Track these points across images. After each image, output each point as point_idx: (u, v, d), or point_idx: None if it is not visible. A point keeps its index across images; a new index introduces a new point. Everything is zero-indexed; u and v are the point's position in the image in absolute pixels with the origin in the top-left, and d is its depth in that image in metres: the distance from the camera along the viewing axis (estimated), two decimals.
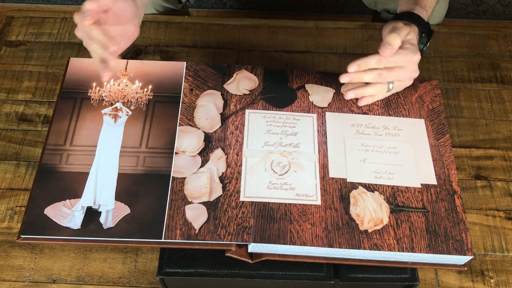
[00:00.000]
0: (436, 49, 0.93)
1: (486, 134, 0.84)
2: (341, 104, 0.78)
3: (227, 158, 0.71)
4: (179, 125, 0.74)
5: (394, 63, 0.71)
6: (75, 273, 0.70)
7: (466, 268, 0.68)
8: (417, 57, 0.71)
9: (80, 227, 0.65)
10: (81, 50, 0.91)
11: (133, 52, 0.91)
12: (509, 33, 0.96)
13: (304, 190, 0.69)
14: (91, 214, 0.67)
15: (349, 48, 0.93)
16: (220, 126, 0.74)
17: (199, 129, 0.74)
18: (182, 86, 0.78)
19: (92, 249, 0.71)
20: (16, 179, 0.78)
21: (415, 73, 0.74)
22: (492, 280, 0.70)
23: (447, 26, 0.98)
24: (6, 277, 0.69)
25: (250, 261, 0.64)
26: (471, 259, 0.65)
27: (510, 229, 0.75)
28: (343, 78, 0.71)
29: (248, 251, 0.65)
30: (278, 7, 1.76)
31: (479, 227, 0.75)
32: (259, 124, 0.74)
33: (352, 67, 0.70)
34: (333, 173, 0.71)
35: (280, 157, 0.72)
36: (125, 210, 0.67)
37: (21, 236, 0.65)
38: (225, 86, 0.78)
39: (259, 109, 0.76)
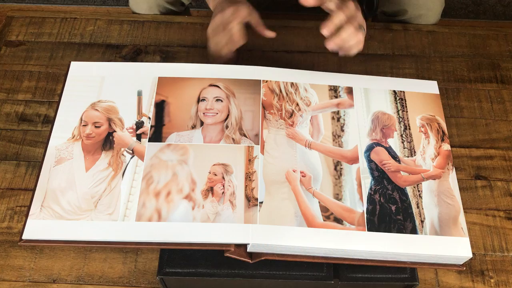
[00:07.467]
0: (436, 49, 0.93)
1: (486, 134, 0.84)
2: None
3: None
4: None
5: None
6: (75, 273, 0.70)
7: (465, 268, 0.68)
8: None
9: None
10: (81, 50, 0.92)
11: (133, 52, 0.91)
12: (509, 33, 0.96)
13: None
14: None
15: None
16: None
17: None
18: None
19: (92, 249, 0.71)
20: (16, 179, 0.78)
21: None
22: (492, 280, 0.70)
23: (447, 26, 0.97)
24: (6, 277, 0.69)
25: (249, 261, 0.64)
26: (471, 258, 0.65)
27: (510, 229, 0.75)
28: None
29: (247, 250, 0.65)
30: (278, 7, 1.76)
31: (479, 227, 0.75)
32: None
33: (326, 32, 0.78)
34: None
35: None
36: None
37: (23, 239, 0.65)
38: None
39: None
